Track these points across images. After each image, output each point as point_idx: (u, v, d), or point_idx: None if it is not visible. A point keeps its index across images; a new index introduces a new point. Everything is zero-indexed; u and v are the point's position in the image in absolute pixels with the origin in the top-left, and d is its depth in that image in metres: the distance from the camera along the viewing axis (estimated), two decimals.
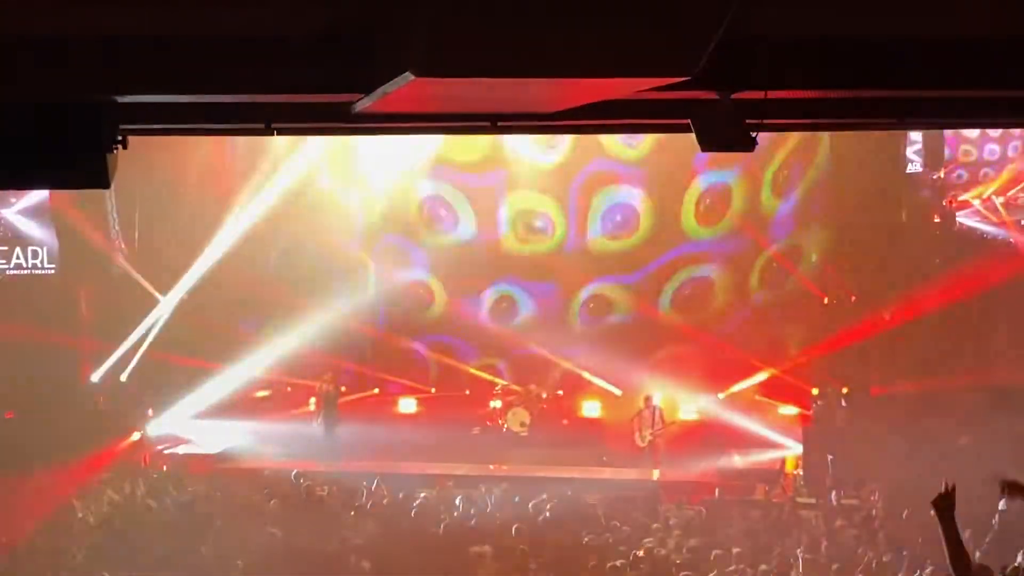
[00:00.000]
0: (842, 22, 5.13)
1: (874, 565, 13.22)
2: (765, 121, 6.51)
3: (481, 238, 23.88)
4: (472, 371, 24.06)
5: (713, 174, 22.85)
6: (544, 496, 16.37)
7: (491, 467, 19.87)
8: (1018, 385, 18.65)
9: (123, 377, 22.29)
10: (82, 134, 5.64)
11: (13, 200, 21.53)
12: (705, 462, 19.42)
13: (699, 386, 21.93)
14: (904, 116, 7.94)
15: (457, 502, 16.32)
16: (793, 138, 21.94)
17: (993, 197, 22.28)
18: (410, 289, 24.26)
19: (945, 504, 6.20)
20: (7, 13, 4.36)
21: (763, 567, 13.04)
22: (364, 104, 5.23)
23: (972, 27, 5.27)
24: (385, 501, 16.91)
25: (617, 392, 22.91)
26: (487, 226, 23.83)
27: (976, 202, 22.38)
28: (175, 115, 6.41)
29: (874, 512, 15.85)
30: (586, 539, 14.58)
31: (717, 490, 17.58)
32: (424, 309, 24.31)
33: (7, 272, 21.67)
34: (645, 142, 22.47)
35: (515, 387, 22.73)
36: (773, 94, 5.84)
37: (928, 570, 12.15)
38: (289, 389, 23.71)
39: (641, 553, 13.60)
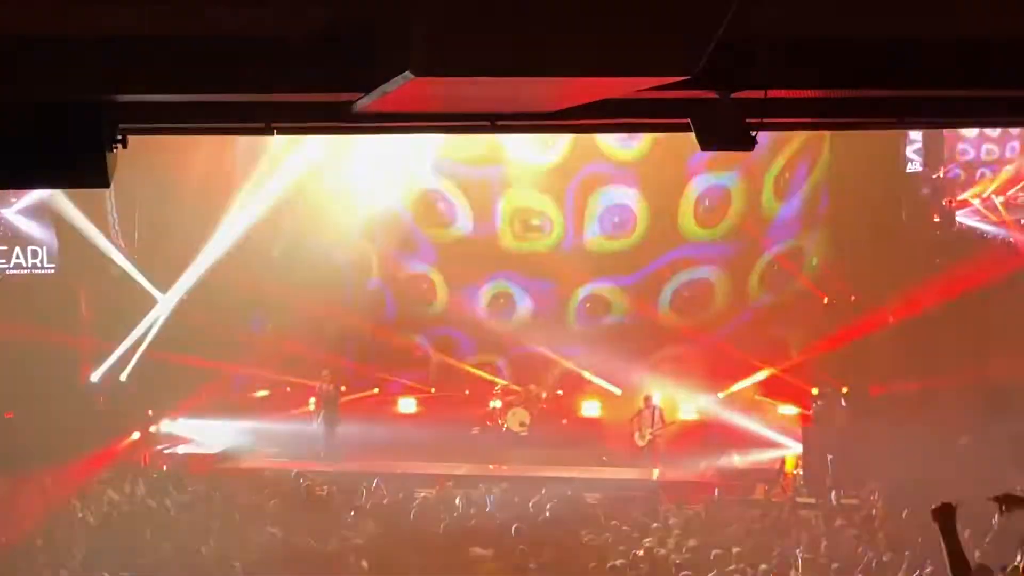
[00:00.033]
0: (842, 22, 5.13)
1: (874, 565, 13.22)
2: (765, 120, 6.51)
3: (478, 232, 23.87)
4: (471, 369, 24.04)
5: (713, 176, 22.83)
6: (543, 495, 16.39)
7: (491, 467, 19.88)
8: (1018, 385, 18.62)
9: (123, 377, 22.25)
10: (82, 134, 5.65)
11: (13, 200, 21.47)
12: (705, 462, 19.44)
13: (699, 386, 21.92)
14: (904, 116, 7.95)
15: (457, 502, 16.34)
16: (795, 141, 21.94)
17: (993, 196, 22.26)
18: (412, 282, 24.29)
19: (946, 518, 6.22)
20: (7, 13, 4.36)
21: (763, 567, 13.05)
22: (364, 103, 5.22)
23: (972, 27, 5.27)
24: (385, 501, 16.94)
25: (617, 392, 22.87)
26: (484, 221, 23.83)
27: (976, 201, 22.36)
28: (175, 115, 6.40)
29: (874, 512, 15.85)
30: (586, 539, 14.60)
31: (717, 490, 17.57)
32: (427, 304, 24.35)
33: (7, 272, 21.62)
34: (641, 144, 22.45)
35: (515, 387, 22.71)
36: (773, 94, 5.85)
37: (928, 570, 12.16)
38: (289, 389, 23.70)
39: (641, 553, 13.61)
